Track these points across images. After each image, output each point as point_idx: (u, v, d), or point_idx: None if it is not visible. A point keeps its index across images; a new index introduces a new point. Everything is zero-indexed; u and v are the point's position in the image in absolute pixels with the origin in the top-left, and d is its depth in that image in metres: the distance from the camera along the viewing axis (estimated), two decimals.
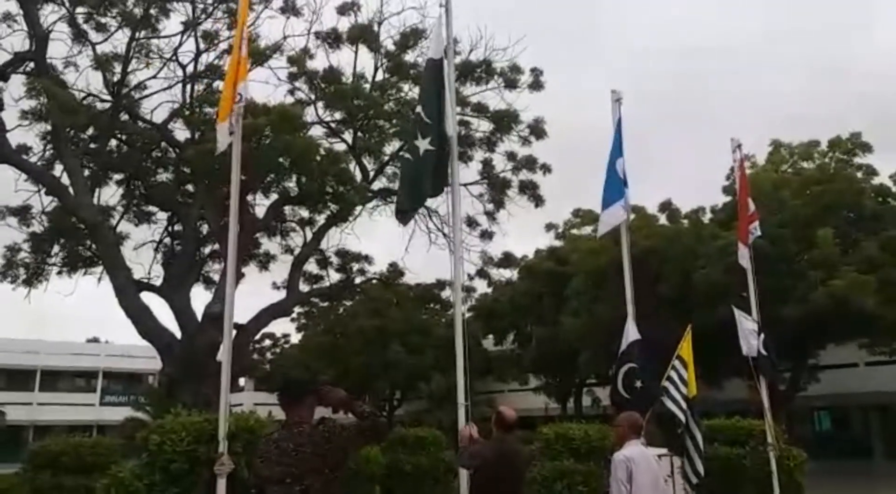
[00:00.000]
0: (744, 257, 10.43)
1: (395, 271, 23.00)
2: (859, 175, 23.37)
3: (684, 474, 8.07)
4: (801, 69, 66.32)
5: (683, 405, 7.93)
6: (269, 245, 21.59)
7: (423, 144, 6.53)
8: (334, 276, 22.65)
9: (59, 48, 18.92)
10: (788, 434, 11.63)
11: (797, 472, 11.15)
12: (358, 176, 18.80)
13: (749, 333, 9.68)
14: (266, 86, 19.44)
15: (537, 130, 19.93)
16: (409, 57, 19.22)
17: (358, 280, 23.16)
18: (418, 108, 6.80)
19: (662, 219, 25.39)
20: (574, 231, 29.59)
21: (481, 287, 27.87)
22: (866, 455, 26.83)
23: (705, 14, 79.96)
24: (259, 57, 17.50)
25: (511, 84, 19.51)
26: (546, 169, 20.35)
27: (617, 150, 8.52)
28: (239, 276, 17.92)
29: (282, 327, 42.59)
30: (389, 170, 20.61)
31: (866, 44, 67.96)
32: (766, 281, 13.44)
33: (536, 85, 19.69)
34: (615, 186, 8.42)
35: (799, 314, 19.43)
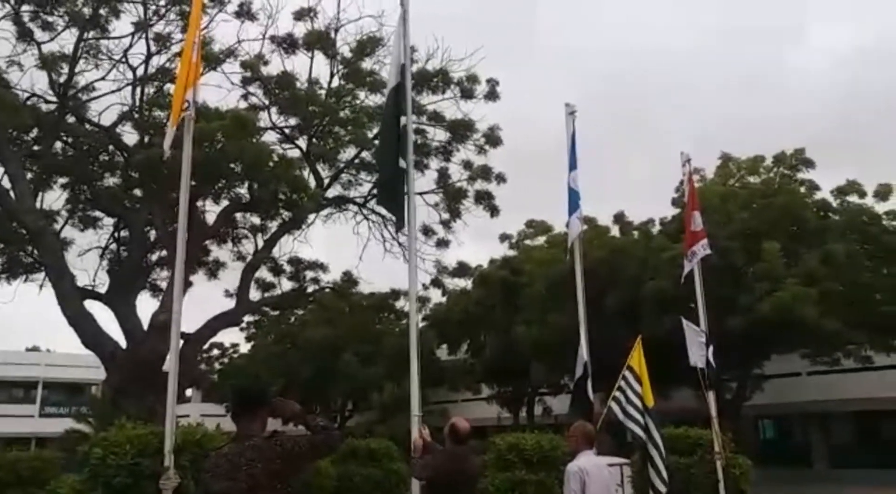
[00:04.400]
0: (687, 270, 10.71)
1: (348, 280, 22.86)
2: (802, 190, 24.17)
3: (651, 483, 8.19)
4: (743, 73, 68.35)
5: (639, 417, 8.06)
6: (220, 252, 21.30)
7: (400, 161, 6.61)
8: (286, 285, 22.44)
9: (2, 47, 18.36)
10: (734, 442, 11.90)
11: (742, 480, 11.45)
12: (312, 183, 18.66)
13: (697, 345, 9.90)
14: (219, 91, 19.29)
15: (493, 139, 20.10)
16: (366, 64, 19.22)
17: (311, 288, 22.95)
18: (403, 119, 6.71)
19: (615, 231, 25.82)
20: (528, 241, 29.85)
21: (436, 296, 27.92)
22: (808, 463, 27.63)
23: (650, 17, 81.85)
24: (212, 61, 17.26)
25: (467, 94, 19.66)
26: (501, 179, 20.53)
27: (572, 163, 8.69)
28: (187, 284, 17.58)
29: (230, 336, 41.88)
30: (344, 177, 20.55)
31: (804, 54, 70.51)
32: (714, 291, 13.78)
33: (492, 95, 19.87)
34: (572, 199, 8.61)
35: (745, 325, 19.94)
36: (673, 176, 22.54)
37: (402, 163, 6.65)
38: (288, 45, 18.76)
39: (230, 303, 19.92)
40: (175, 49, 18.59)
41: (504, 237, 30.14)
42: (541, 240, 28.89)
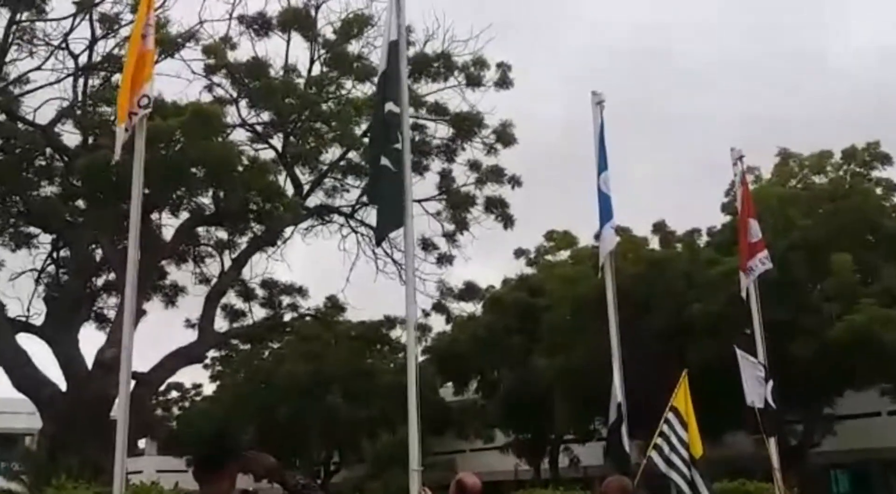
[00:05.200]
0: (745, 289, 10.70)
1: (333, 306, 22.92)
2: (878, 191, 24.15)
3: None
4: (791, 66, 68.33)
5: (685, 469, 8.00)
6: (179, 274, 21.37)
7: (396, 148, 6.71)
8: (259, 313, 22.47)
9: None
10: None
11: None
12: (289, 190, 18.73)
13: (754, 380, 9.86)
14: (177, 82, 19.31)
15: (505, 136, 20.17)
16: (353, 48, 19.34)
17: (288, 316, 23.01)
18: (389, 106, 6.87)
19: (654, 243, 25.83)
20: (548, 257, 29.83)
21: (438, 323, 27.86)
22: None
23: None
24: (169, 46, 17.38)
25: (474, 81, 19.77)
26: (515, 182, 20.59)
27: (602, 163, 8.73)
28: (139, 313, 17.61)
29: (192, 375, 41.80)
30: (328, 182, 20.62)
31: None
32: (773, 314, 13.74)
33: (503, 82, 19.97)
34: (604, 205, 8.64)
35: (811, 354, 19.83)
36: (721, 177, 22.50)
37: (383, 161, 6.75)
38: (259, 26, 18.92)
39: (191, 336, 19.97)
40: (125, 33, 18.72)
41: (520, 252, 30.15)
42: (564, 254, 28.88)
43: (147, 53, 6.42)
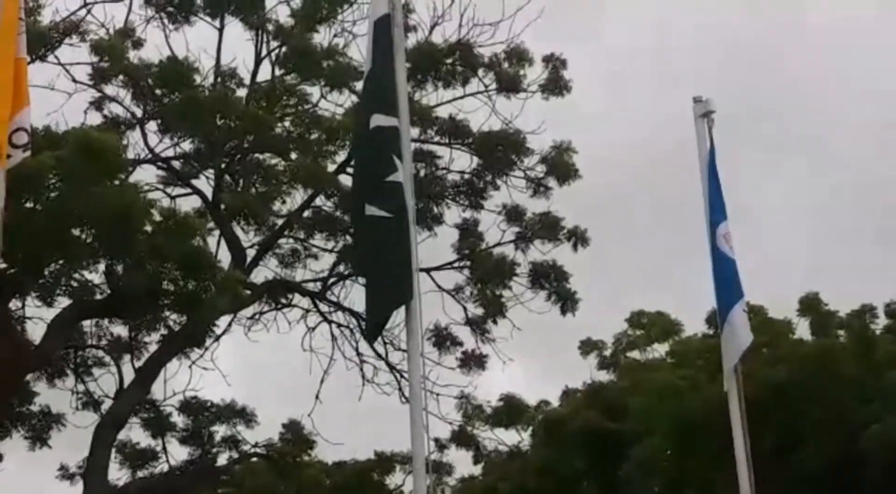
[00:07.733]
0: None
1: (295, 439, 22.72)
2: None
3: None
4: None
5: None
6: (53, 395, 21.21)
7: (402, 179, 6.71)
8: (178, 452, 22.29)
9: None
10: None
11: None
12: (225, 258, 18.80)
13: None
14: (51, 96, 19.35)
15: (561, 167, 20.18)
16: (321, 38, 19.57)
17: (224, 457, 22.80)
18: (377, 119, 6.82)
19: (803, 329, 25.61)
20: (634, 354, 29.67)
21: (464, 463, 27.64)
22: None
23: None
24: (39, 43, 17.61)
25: (509, 85, 19.88)
26: (579, 238, 20.51)
27: (718, 210, 8.62)
28: None
29: None
30: (284, 245, 20.68)
31: None
32: None
33: (555, 86, 20.04)
34: (726, 274, 8.48)
35: None
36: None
37: (370, 209, 6.63)
38: (176, 7, 19.19)
39: (73, 492, 19.82)
40: None
41: (589, 346, 29.96)
42: (659, 349, 28.75)
43: (18, 63, 6.33)
